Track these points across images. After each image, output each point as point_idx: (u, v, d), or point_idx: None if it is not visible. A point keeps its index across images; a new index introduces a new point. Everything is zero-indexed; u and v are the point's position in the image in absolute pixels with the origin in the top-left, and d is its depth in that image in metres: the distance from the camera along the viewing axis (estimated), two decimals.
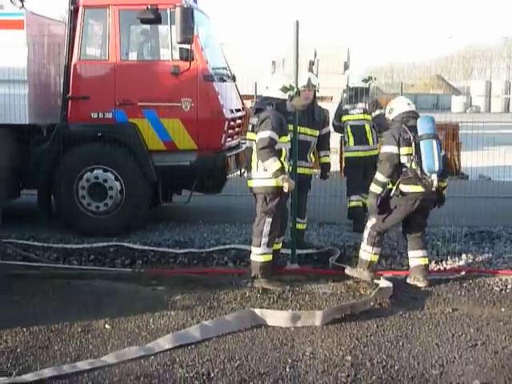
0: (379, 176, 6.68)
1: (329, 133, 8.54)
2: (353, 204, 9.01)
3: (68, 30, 8.67)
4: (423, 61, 72.77)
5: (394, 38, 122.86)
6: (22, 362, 4.70)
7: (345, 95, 9.61)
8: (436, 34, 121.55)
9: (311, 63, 17.32)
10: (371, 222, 6.83)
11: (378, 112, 9.10)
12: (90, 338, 5.15)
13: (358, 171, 8.99)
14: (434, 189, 6.58)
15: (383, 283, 6.42)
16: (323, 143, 8.18)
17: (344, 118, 9.22)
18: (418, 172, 6.52)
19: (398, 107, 6.90)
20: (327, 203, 9.82)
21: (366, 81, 9.35)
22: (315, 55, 18.46)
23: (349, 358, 4.82)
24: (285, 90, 6.71)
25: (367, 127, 9.00)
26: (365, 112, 9.05)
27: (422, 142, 6.47)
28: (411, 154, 6.53)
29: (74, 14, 8.63)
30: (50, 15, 9.13)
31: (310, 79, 7.69)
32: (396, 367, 4.66)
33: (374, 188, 6.72)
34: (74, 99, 8.67)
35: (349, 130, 9.08)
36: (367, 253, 6.78)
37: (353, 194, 8.98)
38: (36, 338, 5.14)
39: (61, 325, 5.38)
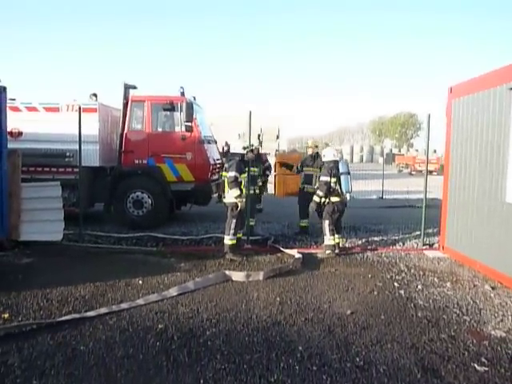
0: (319, 192, 6.55)
1: (265, 170, 8.60)
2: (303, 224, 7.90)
3: (122, 114, 8.43)
4: (318, 133, 73.98)
5: (302, 119, 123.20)
6: (88, 304, 4.37)
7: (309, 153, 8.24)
8: (326, 119, 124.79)
9: (259, 135, 17.30)
10: (326, 222, 6.53)
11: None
12: (130, 289, 4.84)
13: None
14: (345, 200, 6.64)
15: (297, 255, 6.19)
16: (263, 176, 8.21)
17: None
18: (339, 191, 6.54)
19: (327, 155, 6.72)
20: (267, 211, 9.74)
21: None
22: (261, 130, 18.50)
23: (278, 299, 4.62)
24: (244, 149, 6.64)
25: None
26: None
27: (342, 176, 6.49)
28: (336, 181, 6.51)
29: (125, 104, 8.41)
30: (112, 105, 8.84)
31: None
32: (304, 303, 4.50)
33: (316, 198, 6.58)
34: (125, 152, 8.38)
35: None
36: (331, 240, 6.51)
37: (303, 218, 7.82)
38: (97, 289, 4.81)
39: (112, 281, 5.06)
